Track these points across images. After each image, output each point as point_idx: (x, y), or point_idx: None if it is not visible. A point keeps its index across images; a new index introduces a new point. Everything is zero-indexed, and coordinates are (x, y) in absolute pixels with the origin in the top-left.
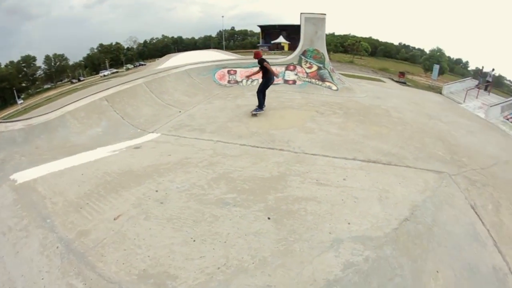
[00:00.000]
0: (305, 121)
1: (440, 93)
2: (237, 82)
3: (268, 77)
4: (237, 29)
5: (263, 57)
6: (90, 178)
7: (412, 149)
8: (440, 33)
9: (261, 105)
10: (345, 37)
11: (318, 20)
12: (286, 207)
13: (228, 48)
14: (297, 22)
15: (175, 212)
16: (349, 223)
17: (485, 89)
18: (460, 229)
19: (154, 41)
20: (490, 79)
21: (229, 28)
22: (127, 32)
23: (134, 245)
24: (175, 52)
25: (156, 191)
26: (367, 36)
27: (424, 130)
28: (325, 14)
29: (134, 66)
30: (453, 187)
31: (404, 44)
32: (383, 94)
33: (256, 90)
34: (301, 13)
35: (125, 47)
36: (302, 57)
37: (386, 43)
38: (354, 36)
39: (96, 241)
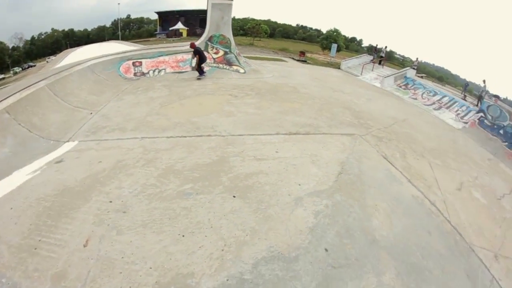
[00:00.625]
0: (223, 105)
1: (339, 68)
2: (143, 74)
3: (202, 58)
4: (133, 16)
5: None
6: (25, 210)
7: (324, 119)
8: (336, 14)
9: (202, 72)
10: (245, 21)
11: (225, 6)
12: (242, 184)
13: (124, 38)
14: (196, 7)
15: (145, 217)
16: (299, 184)
17: (379, 63)
18: (380, 174)
19: (42, 36)
20: (383, 55)
21: (124, 16)
22: (12, 29)
23: (127, 263)
24: (66, 48)
25: (110, 201)
26: (266, 18)
27: (331, 101)
28: (232, 0)
29: (23, 69)
30: (365, 144)
31: (302, 25)
32: (287, 73)
33: (194, 67)
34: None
35: (10, 46)
36: (209, 43)
37: (284, 24)
38: (254, 19)
39: (82, 279)
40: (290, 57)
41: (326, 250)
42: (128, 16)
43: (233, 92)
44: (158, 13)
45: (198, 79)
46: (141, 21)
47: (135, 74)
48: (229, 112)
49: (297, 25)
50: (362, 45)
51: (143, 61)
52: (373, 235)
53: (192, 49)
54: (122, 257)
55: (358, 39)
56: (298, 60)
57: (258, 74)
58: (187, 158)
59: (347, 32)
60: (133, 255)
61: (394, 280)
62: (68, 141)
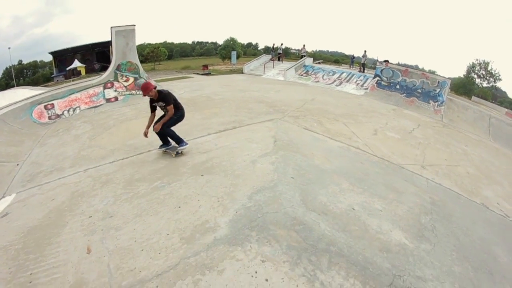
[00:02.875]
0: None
1: (243, 72)
2: (58, 115)
3: (180, 113)
4: (25, 61)
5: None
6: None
7: (244, 114)
8: (230, 25)
9: (179, 140)
10: (142, 46)
11: (128, 31)
12: (203, 167)
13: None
14: (90, 41)
15: (135, 211)
16: (248, 154)
17: (278, 59)
18: (306, 138)
19: None
20: (280, 51)
21: (16, 62)
22: None
23: (144, 241)
24: None
25: (90, 216)
26: (162, 41)
27: (245, 100)
28: (134, 25)
29: None
30: (286, 123)
31: (198, 41)
32: (198, 86)
33: (154, 127)
34: (111, 27)
35: None
36: (117, 71)
37: (181, 44)
38: (150, 44)
39: (105, 274)
40: (194, 73)
41: (292, 177)
42: (20, 62)
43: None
44: (52, 53)
45: (178, 154)
46: (34, 66)
47: (50, 118)
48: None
49: (193, 42)
50: (259, 48)
51: (55, 102)
52: (320, 168)
53: (152, 96)
54: (135, 241)
55: (254, 43)
56: (203, 74)
57: (171, 93)
58: (141, 169)
59: (243, 39)
60: (144, 235)
61: (351, 186)
62: (3, 197)
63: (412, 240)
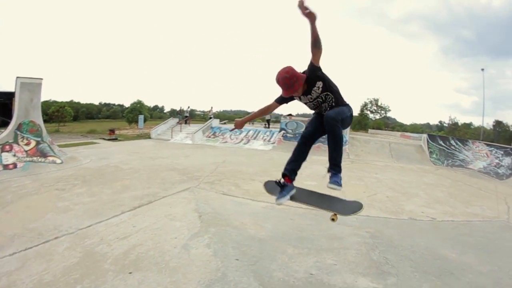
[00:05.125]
0: (54, 203)
1: (150, 137)
2: None
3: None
4: None
5: None
6: None
7: (157, 185)
8: (137, 87)
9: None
10: (47, 104)
11: (34, 85)
12: (128, 261)
13: None
14: None
15: None
16: (176, 237)
17: (185, 122)
18: (229, 204)
19: None
20: (187, 114)
21: None
22: None
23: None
24: None
25: None
26: (69, 99)
27: (155, 169)
28: (41, 79)
29: None
30: (203, 191)
31: (105, 103)
32: (104, 154)
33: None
34: (17, 77)
35: None
36: (18, 132)
37: (87, 104)
38: (56, 102)
39: None
40: (100, 138)
41: (237, 259)
42: None
43: (59, 185)
44: None
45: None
46: None
47: None
48: (65, 208)
49: (100, 103)
50: (165, 111)
51: None
52: (258, 238)
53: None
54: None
55: (160, 106)
56: (109, 139)
57: (76, 161)
58: (51, 267)
59: (149, 101)
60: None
61: (295, 249)
62: None
63: (377, 280)
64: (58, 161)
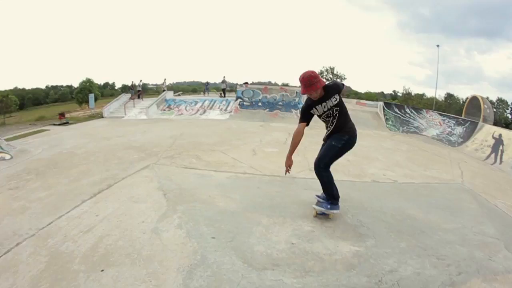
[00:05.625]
0: (9, 204)
1: (103, 116)
2: None
3: (348, 131)
4: None
5: None
6: None
7: (115, 166)
8: (85, 65)
9: (334, 196)
10: None
11: None
12: (97, 257)
13: None
14: None
15: None
16: (143, 221)
17: (138, 97)
18: (193, 178)
19: None
20: (140, 89)
21: None
22: None
23: None
24: None
25: None
26: (12, 87)
27: (112, 149)
28: None
29: None
30: (164, 167)
31: (53, 86)
32: (56, 141)
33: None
34: None
35: None
36: None
37: (33, 89)
38: None
39: None
40: (50, 124)
41: (213, 237)
42: None
43: (11, 184)
44: None
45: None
46: None
47: None
48: (22, 207)
49: (47, 86)
50: (116, 88)
51: None
52: (229, 211)
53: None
54: None
55: (110, 82)
56: (60, 124)
57: (27, 154)
58: (17, 282)
59: (99, 79)
60: None
61: (270, 219)
62: None
63: (357, 243)
64: (7, 156)
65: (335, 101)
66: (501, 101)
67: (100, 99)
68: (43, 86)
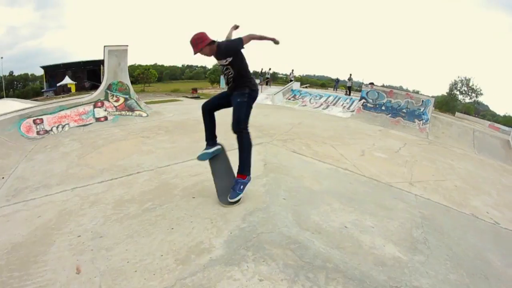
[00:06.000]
0: (139, 147)
1: None
2: (47, 131)
3: (252, 88)
4: (16, 73)
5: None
6: None
7: (233, 138)
8: None
9: (248, 167)
10: (133, 67)
11: (120, 51)
12: (194, 190)
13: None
14: (82, 59)
15: (126, 232)
16: None
17: (267, 84)
18: (295, 161)
19: None
20: (269, 76)
21: (7, 73)
22: None
23: (137, 262)
24: None
25: (79, 236)
26: (153, 63)
27: (229, 124)
28: (127, 46)
29: None
30: (274, 147)
31: (188, 65)
32: (186, 109)
33: None
34: (104, 46)
35: None
36: (108, 91)
37: (171, 66)
38: (141, 65)
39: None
40: (183, 96)
41: (284, 199)
42: (11, 73)
43: (144, 134)
44: (44, 67)
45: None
46: (25, 78)
47: (38, 133)
48: (148, 151)
49: (183, 65)
50: None
51: (44, 117)
52: (311, 189)
53: (206, 55)
54: (128, 262)
55: None
56: (192, 97)
57: (160, 115)
58: (131, 191)
59: None
60: (137, 256)
61: (341, 206)
62: None
63: (406, 253)
64: (144, 114)
65: (225, 62)
66: None
67: None
68: (179, 65)
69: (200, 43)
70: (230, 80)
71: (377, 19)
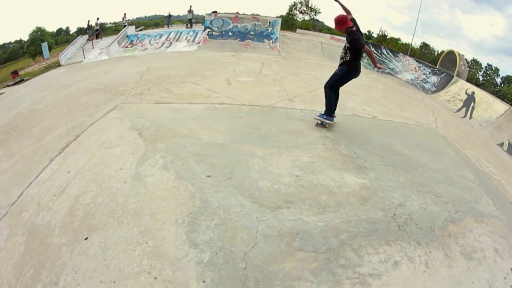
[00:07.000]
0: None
1: (60, 65)
2: None
3: (355, 65)
4: None
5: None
6: None
7: (80, 113)
8: (33, 14)
9: (331, 109)
10: None
11: None
12: (82, 225)
13: None
14: None
15: None
16: (121, 168)
17: (97, 37)
18: (167, 113)
19: None
20: (98, 28)
21: None
22: None
23: None
24: None
25: None
26: None
27: (73, 96)
28: None
29: None
30: (134, 105)
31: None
32: (13, 102)
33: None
34: None
35: None
36: None
37: None
38: None
39: None
40: (4, 87)
41: (209, 176)
42: None
43: None
44: None
45: (318, 124)
46: None
47: None
48: None
49: None
50: (71, 32)
51: None
52: (217, 143)
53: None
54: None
55: (64, 28)
56: (14, 84)
57: None
58: (1, 272)
59: (51, 27)
60: None
61: (264, 149)
62: None
63: (360, 175)
64: None
65: (346, 43)
66: (475, 62)
67: (54, 48)
68: None
69: (342, 24)
70: (344, 55)
71: None
